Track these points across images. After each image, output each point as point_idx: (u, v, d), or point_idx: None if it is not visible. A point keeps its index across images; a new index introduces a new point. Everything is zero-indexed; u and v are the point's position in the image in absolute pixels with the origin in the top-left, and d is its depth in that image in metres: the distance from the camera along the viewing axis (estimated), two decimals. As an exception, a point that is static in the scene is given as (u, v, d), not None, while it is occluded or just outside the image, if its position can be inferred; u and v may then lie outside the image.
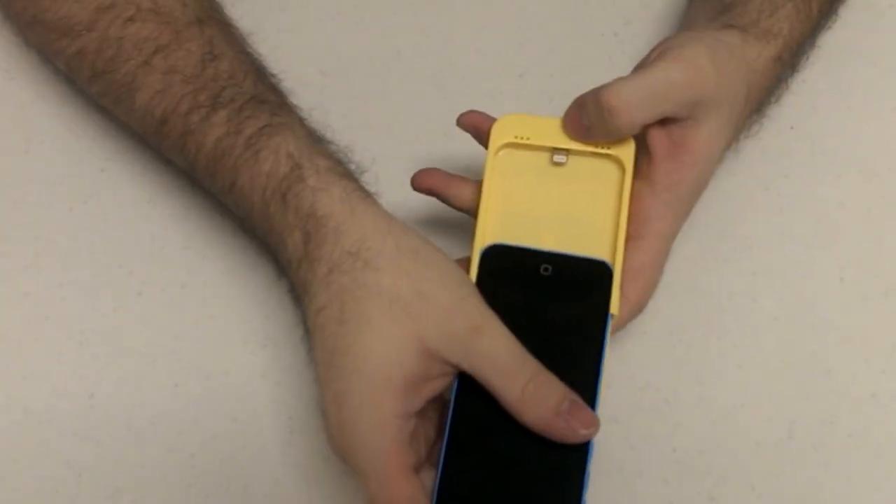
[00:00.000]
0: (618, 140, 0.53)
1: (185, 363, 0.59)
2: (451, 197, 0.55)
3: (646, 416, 0.58)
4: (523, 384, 0.48)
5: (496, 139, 0.54)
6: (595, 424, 0.49)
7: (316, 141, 0.55)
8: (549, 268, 0.51)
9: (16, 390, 0.58)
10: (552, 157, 0.54)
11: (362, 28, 0.68)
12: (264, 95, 0.55)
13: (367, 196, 0.52)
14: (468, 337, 0.48)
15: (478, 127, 0.55)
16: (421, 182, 0.56)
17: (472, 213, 0.54)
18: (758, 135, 0.62)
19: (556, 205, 0.53)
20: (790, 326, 0.60)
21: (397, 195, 0.58)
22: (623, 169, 0.53)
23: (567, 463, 0.48)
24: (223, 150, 0.53)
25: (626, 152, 0.53)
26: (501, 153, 0.54)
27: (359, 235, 0.50)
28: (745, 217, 0.63)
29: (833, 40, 0.64)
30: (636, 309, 0.53)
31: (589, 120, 0.52)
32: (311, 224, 0.51)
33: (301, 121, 0.56)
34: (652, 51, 0.54)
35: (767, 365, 0.59)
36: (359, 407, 0.48)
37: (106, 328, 0.59)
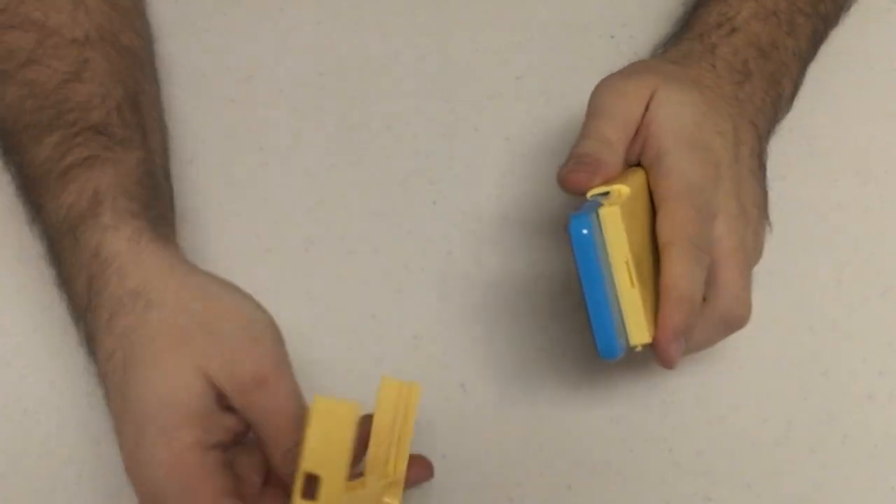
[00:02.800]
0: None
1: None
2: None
3: (643, 418, 0.58)
4: (289, 447, 0.47)
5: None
6: None
7: (147, 186, 0.53)
8: None
9: (15, 388, 0.58)
10: None
11: (361, 28, 0.68)
12: (111, 128, 0.54)
13: (159, 238, 0.51)
14: (252, 386, 0.47)
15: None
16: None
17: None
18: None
19: None
20: (788, 327, 0.60)
21: (396, 195, 0.58)
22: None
23: None
24: (42, 173, 0.53)
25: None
26: None
27: (142, 276, 0.49)
28: (742, 218, 0.63)
29: (830, 43, 0.64)
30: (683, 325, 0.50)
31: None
32: (95, 266, 0.50)
33: (144, 163, 0.54)
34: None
35: (765, 366, 0.60)
36: (154, 445, 0.47)
37: (105, 327, 0.59)
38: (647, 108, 0.53)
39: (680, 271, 0.49)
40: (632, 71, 0.55)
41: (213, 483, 0.47)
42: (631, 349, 0.49)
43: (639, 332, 0.49)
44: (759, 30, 0.58)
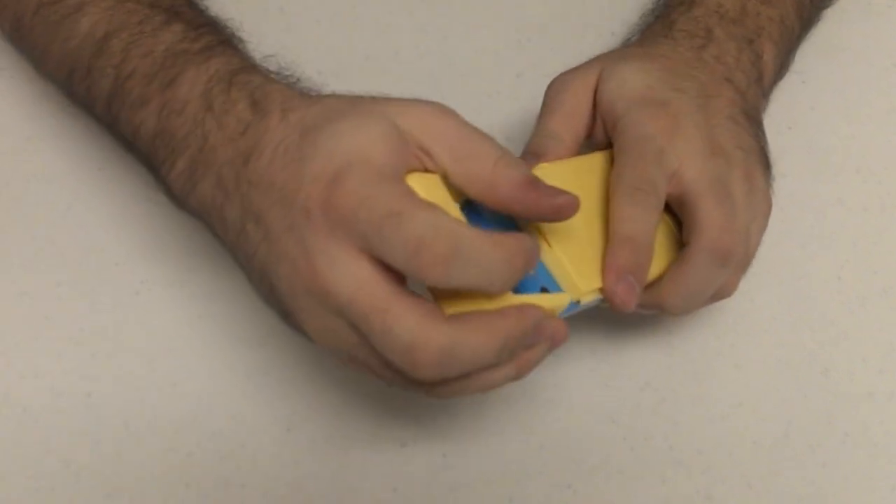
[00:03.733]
0: None
1: (183, 362, 0.59)
2: None
3: (644, 416, 0.58)
4: (495, 159, 0.46)
5: None
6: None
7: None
8: None
9: (14, 389, 0.58)
10: None
11: (360, 28, 0.68)
12: (220, 27, 0.55)
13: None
14: (437, 116, 0.46)
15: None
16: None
17: None
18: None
19: None
20: (788, 325, 0.60)
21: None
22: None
23: None
24: (174, 52, 0.52)
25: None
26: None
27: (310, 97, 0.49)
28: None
29: (830, 39, 0.65)
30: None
31: None
32: (259, 94, 0.49)
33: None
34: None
35: (765, 364, 0.60)
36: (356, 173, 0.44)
37: (104, 327, 0.59)
38: (595, 91, 0.55)
39: (620, 214, 0.50)
40: (581, 64, 0.57)
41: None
42: (582, 306, 0.50)
43: (571, 286, 0.49)
44: (722, 1, 0.59)
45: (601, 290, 0.50)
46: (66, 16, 0.56)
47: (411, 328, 0.42)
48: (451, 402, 0.58)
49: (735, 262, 0.52)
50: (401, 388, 0.47)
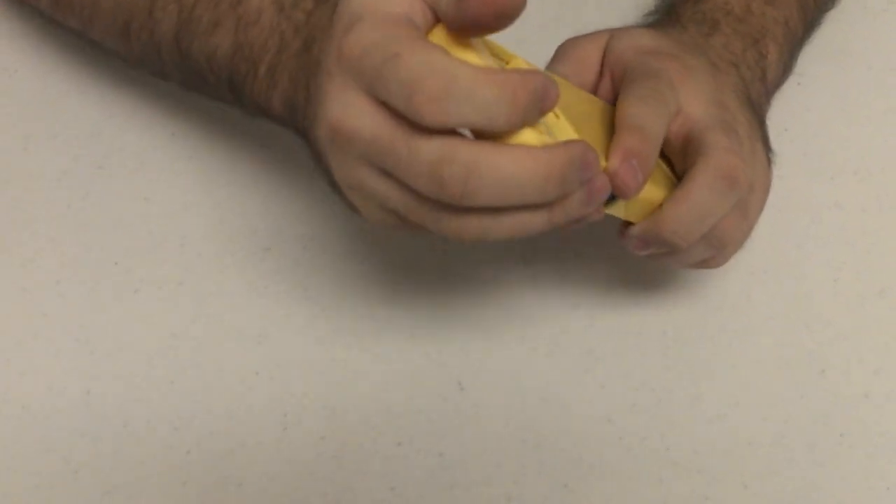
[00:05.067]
0: None
1: (181, 360, 0.59)
2: None
3: (640, 416, 0.58)
4: None
5: None
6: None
7: None
8: None
9: (13, 387, 0.58)
10: None
11: None
12: None
13: None
14: None
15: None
16: None
17: None
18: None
19: None
20: (784, 326, 0.61)
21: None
22: None
23: None
24: None
25: None
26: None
27: None
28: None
29: (827, 42, 0.65)
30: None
31: None
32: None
33: None
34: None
35: (762, 364, 0.60)
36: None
37: (103, 325, 0.59)
38: (604, 50, 0.54)
39: (629, 111, 0.48)
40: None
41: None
42: None
43: None
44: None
45: (605, 169, 0.47)
46: None
47: (440, 143, 0.41)
48: (447, 402, 0.58)
49: (740, 190, 0.50)
50: (434, 228, 0.45)
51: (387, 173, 0.43)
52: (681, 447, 0.58)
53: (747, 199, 0.53)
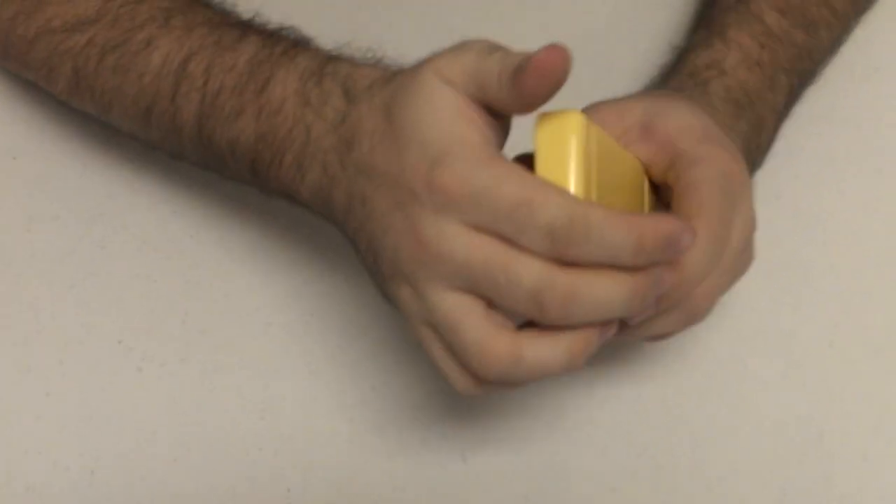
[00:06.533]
0: None
1: (184, 437, 0.59)
2: None
3: (641, 483, 0.58)
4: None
5: None
6: None
7: None
8: None
9: (17, 466, 0.58)
10: None
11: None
12: (289, 30, 0.56)
13: None
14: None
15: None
16: None
17: None
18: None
19: None
20: (781, 390, 0.61)
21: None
22: None
23: None
24: (259, 60, 0.53)
25: None
26: None
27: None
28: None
29: (816, 109, 0.65)
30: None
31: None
32: (349, 83, 0.50)
33: None
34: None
35: (760, 429, 0.60)
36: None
37: (106, 404, 0.60)
38: (641, 125, 0.52)
39: (698, 255, 0.48)
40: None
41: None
42: None
43: None
44: (745, 77, 0.59)
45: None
46: (136, 54, 0.56)
47: (538, 270, 0.43)
48: (451, 474, 0.58)
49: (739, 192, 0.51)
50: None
51: (472, 291, 0.45)
52: (678, 512, 0.58)
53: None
